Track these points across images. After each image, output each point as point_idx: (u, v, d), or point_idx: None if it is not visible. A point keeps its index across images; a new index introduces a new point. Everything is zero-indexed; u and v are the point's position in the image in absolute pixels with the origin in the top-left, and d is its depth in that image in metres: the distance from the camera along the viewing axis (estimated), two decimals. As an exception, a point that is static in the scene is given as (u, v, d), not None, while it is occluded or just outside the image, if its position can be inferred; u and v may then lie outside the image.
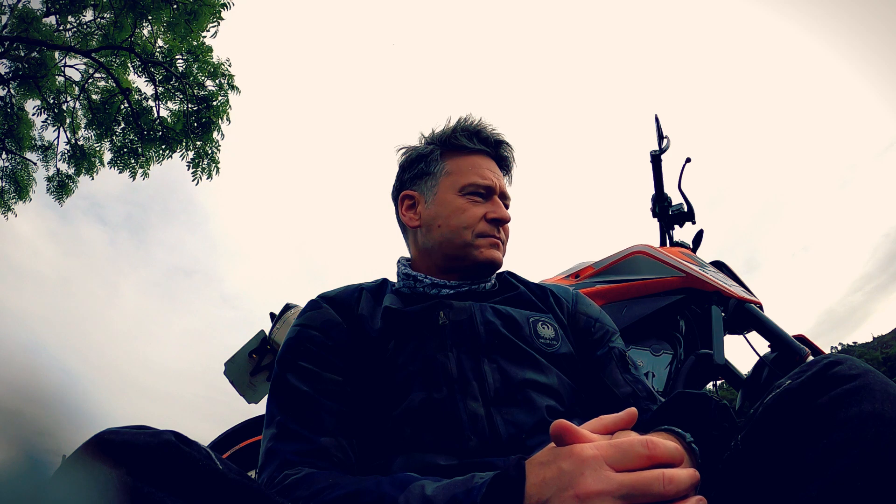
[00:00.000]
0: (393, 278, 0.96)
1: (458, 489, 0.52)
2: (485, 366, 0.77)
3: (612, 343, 0.89)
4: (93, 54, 6.43)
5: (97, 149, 7.02)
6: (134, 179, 6.82)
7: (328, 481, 0.60)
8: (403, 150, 1.01)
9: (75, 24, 6.56)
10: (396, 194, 0.99)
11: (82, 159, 7.00)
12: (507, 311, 0.84)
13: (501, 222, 0.91)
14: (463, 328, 0.80)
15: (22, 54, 6.43)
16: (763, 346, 1.55)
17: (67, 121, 6.89)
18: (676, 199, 2.01)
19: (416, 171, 0.95)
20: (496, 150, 0.96)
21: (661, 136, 1.97)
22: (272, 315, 1.99)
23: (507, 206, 0.94)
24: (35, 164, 7.12)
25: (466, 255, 0.89)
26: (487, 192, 0.92)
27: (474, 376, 0.75)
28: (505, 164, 0.98)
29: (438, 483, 0.55)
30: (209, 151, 6.63)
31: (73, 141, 6.99)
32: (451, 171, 0.92)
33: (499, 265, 0.91)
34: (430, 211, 0.92)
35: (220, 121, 6.54)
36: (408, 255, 1.00)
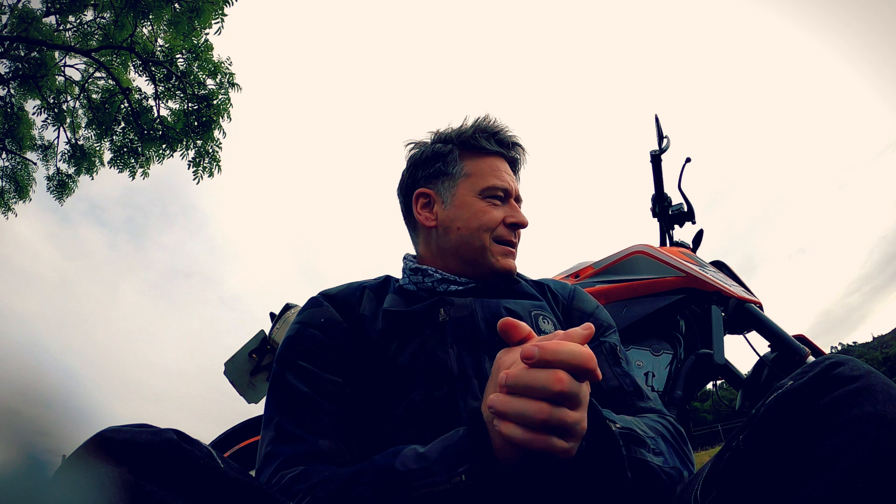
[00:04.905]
0: (396, 275, 0.96)
1: (448, 441, 0.58)
2: (486, 363, 0.76)
3: (603, 337, 0.88)
4: (93, 54, 6.43)
5: (97, 148, 7.03)
6: (134, 179, 6.83)
7: (325, 474, 0.61)
8: (415, 147, 0.98)
9: (75, 24, 6.56)
10: (409, 191, 0.95)
11: (82, 159, 7.01)
12: (508, 305, 0.84)
13: (519, 226, 0.92)
14: (463, 325, 0.80)
15: (22, 54, 6.43)
16: (763, 346, 1.55)
17: (67, 120, 6.90)
18: (676, 199, 2.01)
19: (433, 170, 0.93)
20: (510, 153, 0.96)
21: (661, 136, 1.96)
22: (272, 315, 1.99)
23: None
24: (35, 164, 7.13)
25: (483, 261, 0.88)
26: (506, 195, 0.92)
27: (475, 374, 0.75)
28: (516, 166, 0.98)
29: (430, 444, 0.59)
30: (210, 150, 6.63)
31: (73, 140, 6.99)
32: (471, 173, 0.91)
33: (513, 274, 0.92)
34: (449, 212, 0.90)
35: (220, 119, 6.54)
36: (413, 252, 0.98)
